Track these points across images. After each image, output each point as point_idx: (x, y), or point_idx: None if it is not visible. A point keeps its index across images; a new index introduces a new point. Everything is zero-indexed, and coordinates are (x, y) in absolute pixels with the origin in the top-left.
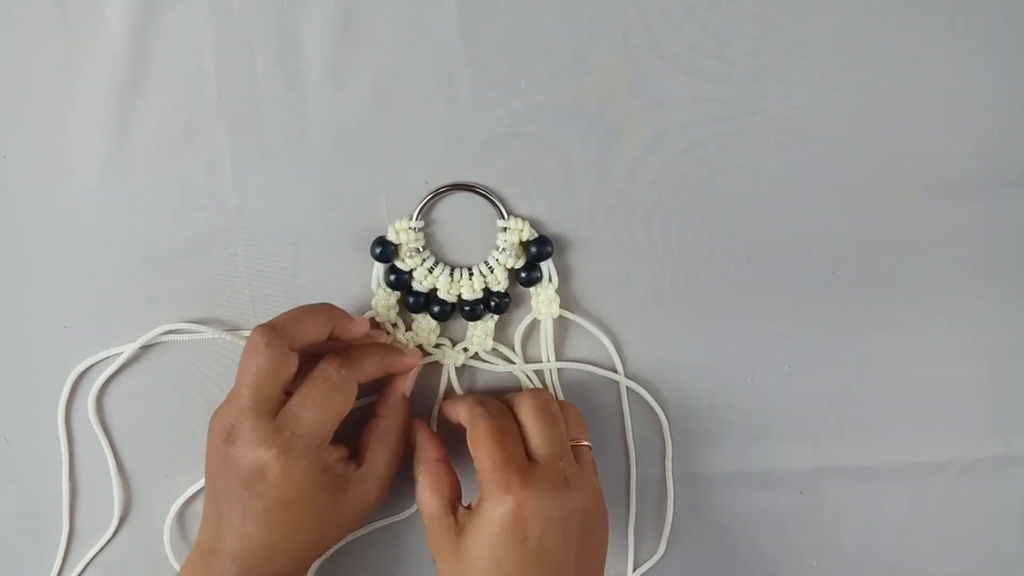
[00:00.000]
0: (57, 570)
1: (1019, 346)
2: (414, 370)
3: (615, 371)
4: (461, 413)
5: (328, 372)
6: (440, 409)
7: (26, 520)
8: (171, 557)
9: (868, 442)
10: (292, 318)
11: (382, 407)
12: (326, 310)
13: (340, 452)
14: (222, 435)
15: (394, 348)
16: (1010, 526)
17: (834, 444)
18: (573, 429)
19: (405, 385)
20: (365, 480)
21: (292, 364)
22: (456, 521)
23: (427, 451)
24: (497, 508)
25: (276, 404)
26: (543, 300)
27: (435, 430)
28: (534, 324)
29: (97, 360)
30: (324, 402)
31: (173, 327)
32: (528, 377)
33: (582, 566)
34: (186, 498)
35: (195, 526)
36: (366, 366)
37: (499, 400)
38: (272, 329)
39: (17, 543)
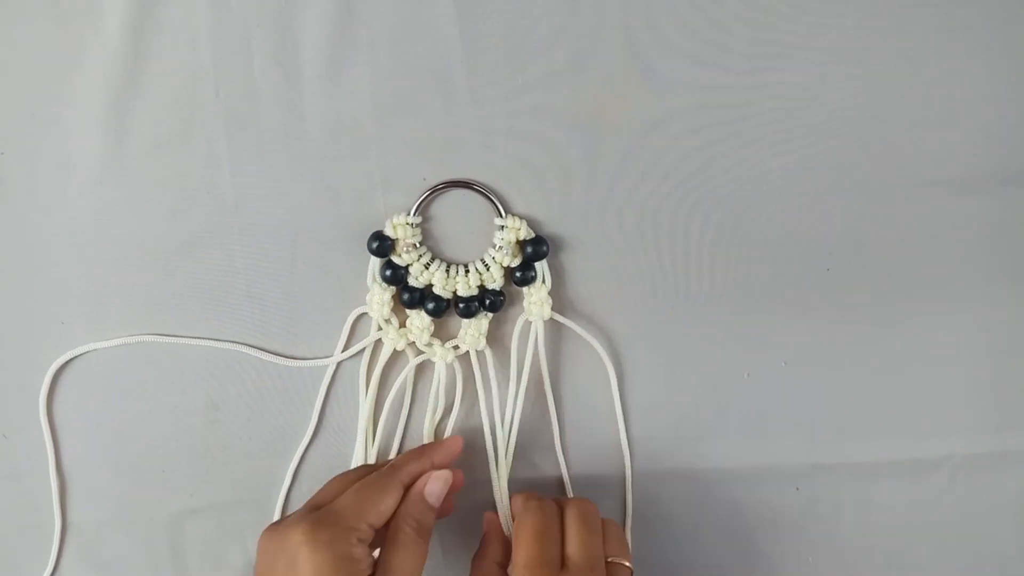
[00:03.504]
0: (52, 566)
1: (1016, 342)
2: (439, 477)
3: (607, 372)
4: (516, 503)
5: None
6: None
7: (24, 516)
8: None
9: (864, 438)
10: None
11: (404, 507)
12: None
13: None
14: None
15: (436, 465)
16: (1006, 522)
17: (830, 440)
18: (613, 546)
19: (428, 488)
20: None
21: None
22: None
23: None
24: None
25: None
26: (535, 301)
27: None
28: (529, 324)
29: (76, 355)
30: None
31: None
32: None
33: None
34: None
35: (192, 523)
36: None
37: (552, 500)
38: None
39: (15, 538)
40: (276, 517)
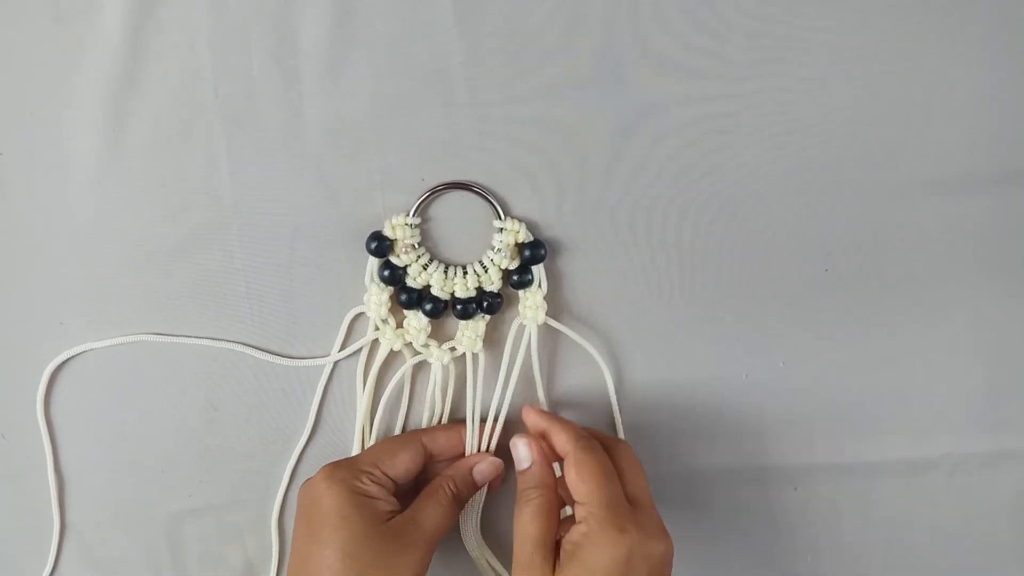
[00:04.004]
0: (51, 566)
1: (1012, 342)
2: (492, 462)
3: (603, 375)
4: (561, 438)
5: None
6: (524, 412)
7: (23, 516)
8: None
9: (861, 438)
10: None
11: (451, 470)
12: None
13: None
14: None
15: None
16: (1002, 521)
17: (828, 440)
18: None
19: (479, 466)
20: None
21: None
22: (555, 552)
23: (544, 475)
24: (611, 548)
25: None
26: (530, 305)
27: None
28: (523, 327)
29: (74, 354)
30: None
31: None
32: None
33: None
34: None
35: (191, 523)
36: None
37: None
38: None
39: (14, 539)
40: (275, 517)
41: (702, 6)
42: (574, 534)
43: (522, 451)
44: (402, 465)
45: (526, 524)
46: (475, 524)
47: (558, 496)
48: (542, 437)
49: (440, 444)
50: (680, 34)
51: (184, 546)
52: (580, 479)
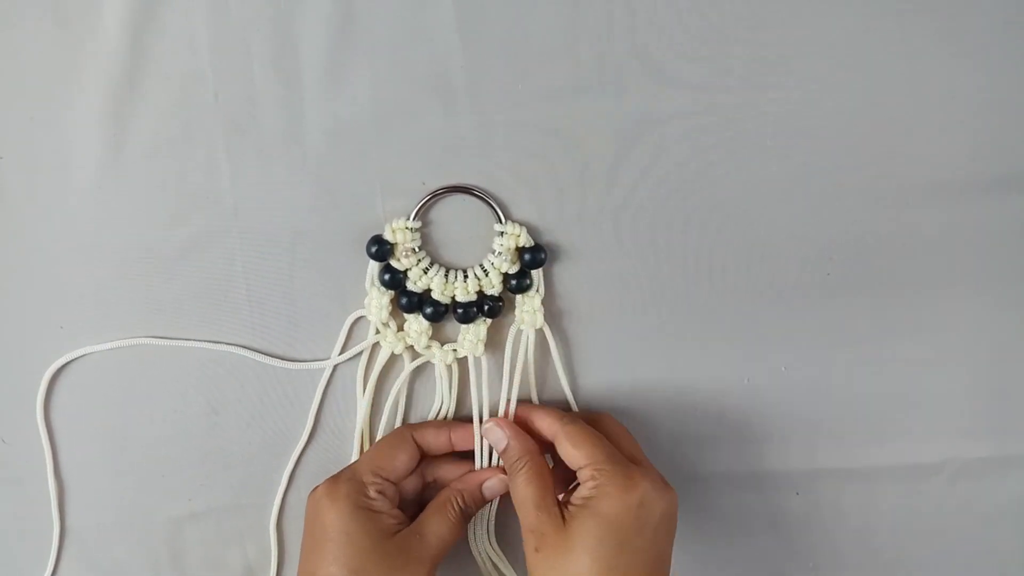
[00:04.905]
0: (51, 570)
1: (1013, 347)
2: (502, 479)
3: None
4: (545, 421)
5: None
6: (515, 417)
7: (23, 520)
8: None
9: (864, 443)
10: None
11: (459, 483)
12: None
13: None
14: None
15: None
16: (1005, 526)
17: (830, 445)
18: None
19: (489, 482)
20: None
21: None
22: (561, 509)
23: (526, 444)
24: (624, 494)
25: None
26: (527, 310)
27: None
28: (521, 332)
29: (73, 358)
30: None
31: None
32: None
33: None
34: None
35: (191, 527)
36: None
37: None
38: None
39: (14, 543)
40: (273, 520)
41: (703, 12)
42: (582, 491)
43: (496, 433)
44: (400, 465)
45: (522, 490)
46: (489, 532)
47: (544, 459)
48: (525, 427)
49: (428, 439)
50: (680, 40)
51: (184, 550)
52: (576, 447)
